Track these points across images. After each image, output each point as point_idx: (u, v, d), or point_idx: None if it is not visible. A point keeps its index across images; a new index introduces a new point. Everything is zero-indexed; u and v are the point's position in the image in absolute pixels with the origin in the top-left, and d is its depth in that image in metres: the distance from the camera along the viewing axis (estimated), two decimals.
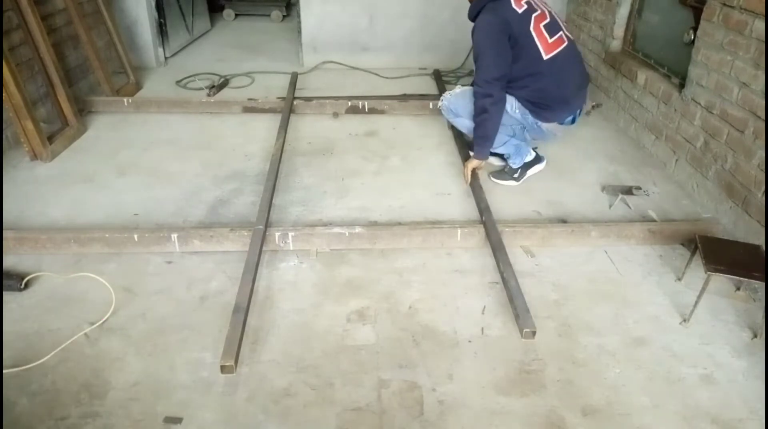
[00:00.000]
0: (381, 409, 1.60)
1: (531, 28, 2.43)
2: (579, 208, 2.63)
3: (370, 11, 4.61)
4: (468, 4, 2.61)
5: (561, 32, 2.53)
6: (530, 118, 2.62)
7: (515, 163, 2.81)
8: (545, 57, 2.47)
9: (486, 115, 2.53)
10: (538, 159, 2.86)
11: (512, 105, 2.59)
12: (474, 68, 2.62)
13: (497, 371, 1.73)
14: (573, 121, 2.73)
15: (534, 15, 2.45)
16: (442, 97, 2.84)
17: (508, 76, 2.49)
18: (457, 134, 3.16)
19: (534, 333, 1.81)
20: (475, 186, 2.66)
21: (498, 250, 2.16)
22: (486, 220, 2.36)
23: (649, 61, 3.35)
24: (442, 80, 4.31)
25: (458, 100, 2.74)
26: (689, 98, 2.76)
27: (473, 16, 2.55)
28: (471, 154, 2.73)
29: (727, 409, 1.62)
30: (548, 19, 2.49)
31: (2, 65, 2.73)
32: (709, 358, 1.80)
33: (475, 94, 2.55)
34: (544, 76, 2.50)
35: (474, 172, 2.73)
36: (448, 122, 3.05)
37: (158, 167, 2.94)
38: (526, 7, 2.45)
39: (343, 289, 2.07)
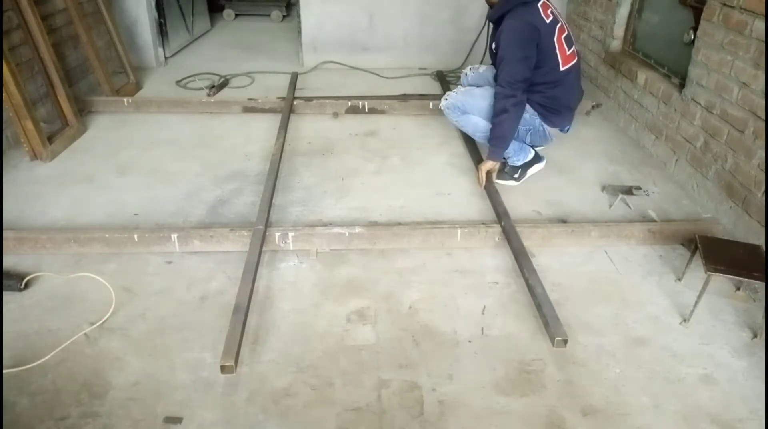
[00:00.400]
0: (381, 409, 1.60)
1: (555, 39, 2.52)
2: (579, 208, 2.63)
3: (370, 11, 4.61)
4: (485, 5, 2.66)
5: (574, 47, 2.64)
6: (538, 121, 2.68)
7: (517, 161, 2.81)
8: (562, 68, 2.57)
9: (506, 115, 2.55)
10: (537, 158, 2.86)
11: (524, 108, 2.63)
12: (495, 68, 2.67)
13: (497, 371, 1.73)
14: (568, 130, 2.85)
15: (557, 26, 2.54)
16: (445, 96, 2.83)
17: (530, 80, 2.54)
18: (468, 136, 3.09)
19: (566, 341, 1.75)
20: (490, 189, 2.63)
21: (520, 255, 2.11)
22: (505, 225, 2.30)
23: (649, 61, 3.35)
24: (446, 81, 4.29)
25: (468, 98, 2.73)
26: (689, 98, 2.76)
27: (496, 18, 2.59)
28: (483, 157, 2.76)
29: (727, 409, 1.62)
30: (566, 32, 2.60)
31: (2, 65, 2.73)
32: (709, 358, 1.80)
33: (497, 95, 2.56)
34: (558, 85, 2.61)
35: (488, 174, 2.70)
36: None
37: (158, 167, 2.94)
38: (552, 17, 2.53)
39: (343, 289, 2.07)
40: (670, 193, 2.77)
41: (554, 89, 2.61)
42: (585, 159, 3.11)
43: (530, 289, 1.98)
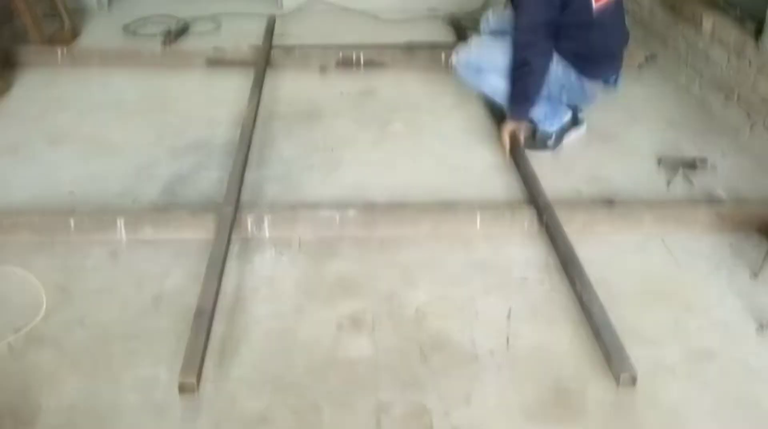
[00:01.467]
0: None
1: None
2: (629, 185, 2.63)
3: None
4: None
5: None
6: (573, 75, 2.68)
7: (551, 126, 2.82)
8: (594, 6, 2.56)
9: (527, 68, 2.55)
10: (576, 122, 2.87)
11: (554, 59, 2.62)
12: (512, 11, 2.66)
13: (526, 392, 1.73)
14: (616, 82, 2.82)
15: None
16: (455, 50, 2.83)
17: (555, 23, 2.52)
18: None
19: (635, 379, 1.68)
20: (520, 161, 2.59)
21: (571, 264, 2.06)
22: (548, 222, 2.23)
23: (718, 0, 3.30)
24: (462, 27, 4.20)
25: (482, 51, 2.74)
26: None
27: None
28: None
29: None
30: None
31: None
32: None
33: (515, 44, 2.57)
34: (592, 28, 2.61)
35: (514, 137, 2.72)
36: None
37: (100, 135, 2.95)
38: None
39: (332, 289, 2.08)
40: (744, 167, 2.76)
41: (589, 32, 2.61)
42: (636, 124, 3.10)
43: (584, 307, 1.93)
